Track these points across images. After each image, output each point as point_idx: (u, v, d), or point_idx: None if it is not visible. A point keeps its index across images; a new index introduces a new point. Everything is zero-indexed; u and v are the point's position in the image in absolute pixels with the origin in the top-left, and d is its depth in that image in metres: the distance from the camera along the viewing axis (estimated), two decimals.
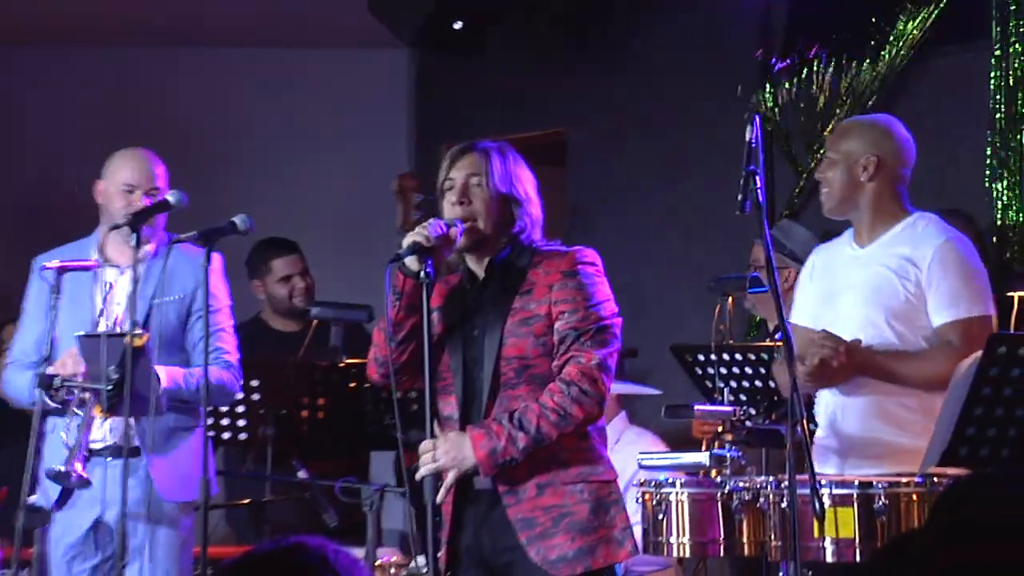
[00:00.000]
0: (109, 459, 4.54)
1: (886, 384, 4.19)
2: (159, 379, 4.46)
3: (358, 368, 5.41)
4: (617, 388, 5.31)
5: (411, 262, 3.72)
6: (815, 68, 6.37)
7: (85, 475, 4.39)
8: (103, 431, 4.57)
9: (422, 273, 3.69)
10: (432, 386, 3.71)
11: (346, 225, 7.90)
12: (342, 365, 5.51)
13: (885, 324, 4.23)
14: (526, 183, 3.86)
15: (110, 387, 4.29)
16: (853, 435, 4.22)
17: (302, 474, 5.33)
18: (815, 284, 4.44)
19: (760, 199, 3.81)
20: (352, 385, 5.46)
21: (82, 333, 4.46)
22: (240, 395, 5.17)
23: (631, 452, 5.01)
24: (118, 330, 4.48)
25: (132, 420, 4.44)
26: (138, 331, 4.35)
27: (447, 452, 3.71)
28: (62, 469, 4.37)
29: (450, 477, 3.73)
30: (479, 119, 7.64)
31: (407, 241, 3.73)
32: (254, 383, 5.36)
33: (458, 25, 7.17)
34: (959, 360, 4.01)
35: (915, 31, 6.08)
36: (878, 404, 4.20)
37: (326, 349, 5.74)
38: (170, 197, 4.48)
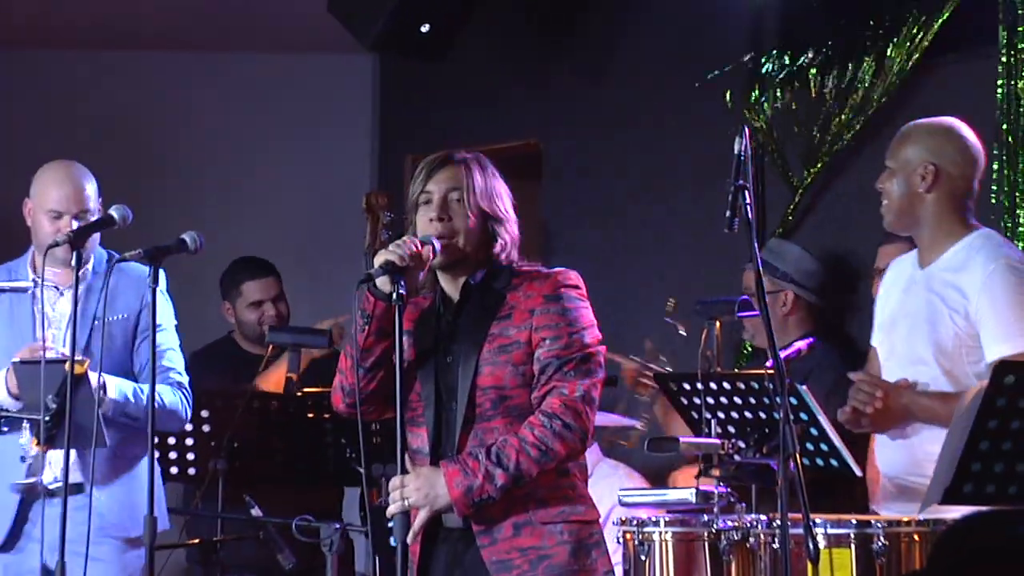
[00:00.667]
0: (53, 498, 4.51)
1: (930, 427, 4.15)
2: (104, 389, 4.46)
3: (317, 398, 5.39)
4: (596, 419, 5.30)
5: (382, 283, 3.71)
6: (811, 74, 6.37)
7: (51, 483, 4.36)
8: (53, 471, 4.55)
9: (394, 295, 3.67)
10: (402, 417, 3.69)
11: (304, 243, 7.89)
12: (300, 394, 5.49)
13: (933, 360, 4.21)
14: (504, 199, 3.86)
15: (48, 418, 4.25)
16: (891, 479, 4.20)
17: (256, 512, 5.29)
18: (882, 304, 4.40)
19: (750, 216, 3.80)
20: (311, 416, 5.43)
21: (18, 359, 4.42)
22: (189, 426, 5.15)
23: (606, 487, 4.99)
24: (56, 355, 4.44)
25: (74, 453, 4.41)
26: (79, 357, 4.31)
27: (419, 489, 3.69)
28: (29, 481, 4.34)
29: (421, 516, 3.71)
30: (448, 129, 7.64)
31: (378, 260, 3.71)
32: (204, 413, 5.34)
33: (425, 28, 7.15)
34: None
35: (923, 39, 6.08)
36: (917, 447, 4.17)
37: (283, 377, 5.71)
38: (114, 213, 4.46)
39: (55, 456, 4.51)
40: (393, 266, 3.68)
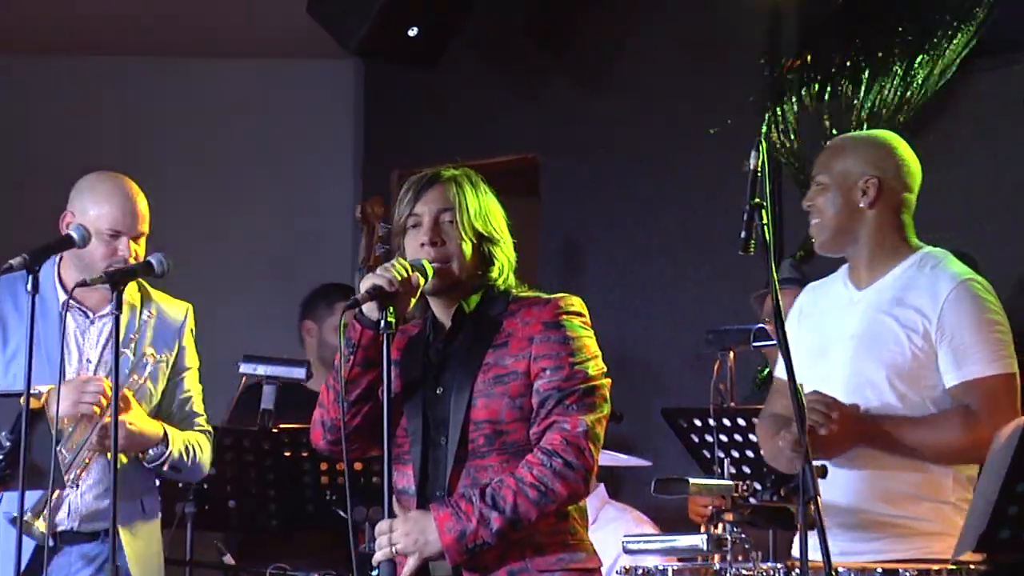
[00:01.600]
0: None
1: (884, 455, 4.15)
2: (166, 439, 4.56)
3: (294, 434, 5.39)
4: (600, 459, 5.31)
5: (369, 309, 3.72)
6: (834, 81, 6.38)
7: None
8: (62, 513, 4.59)
9: (382, 322, 3.69)
10: (389, 455, 3.69)
11: (281, 265, 7.90)
12: (275, 431, 5.49)
13: (886, 383, 4.19)
14: (499, 219, 3.87)
15: (1, 457, 4.27)
16: (843, 511, 4.17)
17: (228, 559, 5.29)
18: (803, 332, 4.34)
19: (767, 237, 3.80)
20: (287, 454, 5.43)
21: None
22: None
23: (612, 532, 4.99)
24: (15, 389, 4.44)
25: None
26: (37, 389, 4.31)
27: (407, 534, 3.69)
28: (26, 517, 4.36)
29: (410, 564, 3.70)
30: (437, 142, 7.66)
31: (365, 284, 3.71)
32: None
33: (413, 31, 7.17)
34: (978, 427, 4.01)
35: (954, 47, 6.11)
36: (873, 478, 4.17)
37: (257, 411, 5.71)
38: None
39: (72, 499, 4.57)
40: (381, 291, 3.69)
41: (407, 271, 3.73)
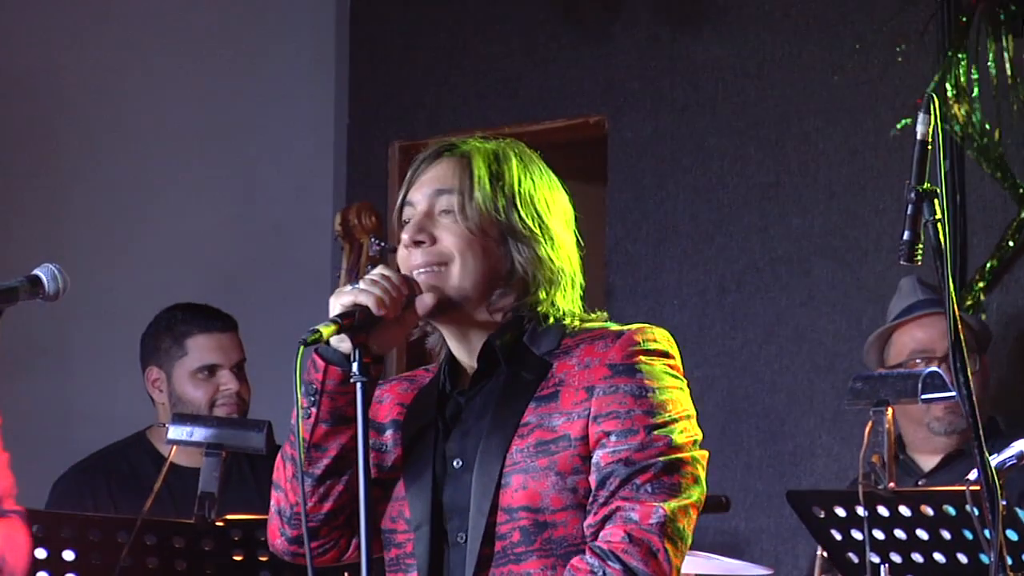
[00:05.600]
0: None
1: None
2: None
3: (247, 528, 5.39)
4: (695, 566, 5.29)
5: (338, 342, 3.75)
6: None
7: None
8: None
9: (355, 362, 3.71)
10: (368, 557, 3.68)
11: (234, 280, 7.92)
12: (220, 523, 5.48)
13: None
14: (555, 210, 3.87)
15: None
16: None
17: None
18: None
19: (941, 239, 3.81)
20: (238, 558, 5.43)
21: None
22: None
23: None
24: None
25: None
26: None
27: None
28: None
29: None
30: (458, 101, 7.71)
31: (336, 303, 3.74)
32: (67, 556, 5.33)
33: None
34: None
35: None
36: None
37: (192, 495, 5.70)
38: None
39: None
40: (362, 315, 3.70)
41: (401, 284, 3.74)
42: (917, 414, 5.85)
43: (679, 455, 3.74)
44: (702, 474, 3.77)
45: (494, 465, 3.75)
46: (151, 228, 7.98)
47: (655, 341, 3.80)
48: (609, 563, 3.67)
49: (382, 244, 5.92)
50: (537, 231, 3.84)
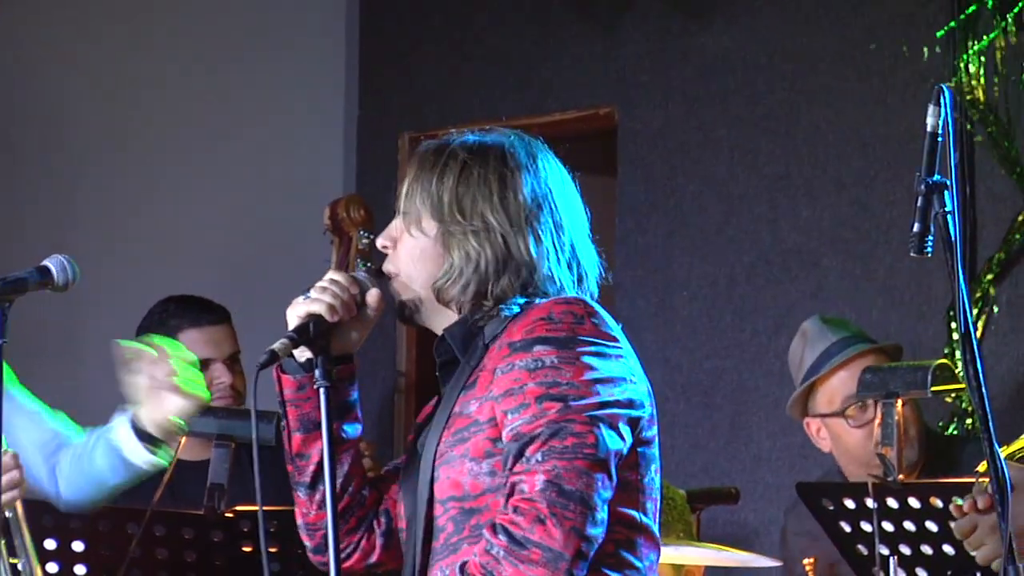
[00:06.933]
0: None
1: None
2: None
3: (256, 519, 5.37)
4: (704, 558, 5.28)
5: (300, 353, 3.80)
6: None
7: None
8: None
9: (317, 366, 3.76)
10: (336, 560, 3.74)
11: (239, 274, 7.93)
12: (228, 515, 5.48)
13: None
14: (504, 201, 3.83)
15: None
16: None
17: None
18: None
19: (954, 232, 3.81)
20: (247, 549, 5.42)
21: None
22: (54, 567, 5.26)
23: None
24: None
25: None
26: None
27: None
28: None
29: None
30: (468, 92, 7.72)
31: (292, 315, 3.80)
32: (77, 547, 5.34)
33: None
34: None
35: None
36: None
37: (192, 489, 5.71)
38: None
39: None
40: (318, 324, 3.74)
41: (351, 287, 3.80)
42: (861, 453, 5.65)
43: (571, 416, 3.66)
44: (615, 433, 3.68)
45: (428, 460, 3.79)
46: (160, 220, 7.99)
47: (559, 310, 3.74)
48: (498, 536, 3.64)
49: (371, 237, 5.90)
50: (479, 225, 3.83)
